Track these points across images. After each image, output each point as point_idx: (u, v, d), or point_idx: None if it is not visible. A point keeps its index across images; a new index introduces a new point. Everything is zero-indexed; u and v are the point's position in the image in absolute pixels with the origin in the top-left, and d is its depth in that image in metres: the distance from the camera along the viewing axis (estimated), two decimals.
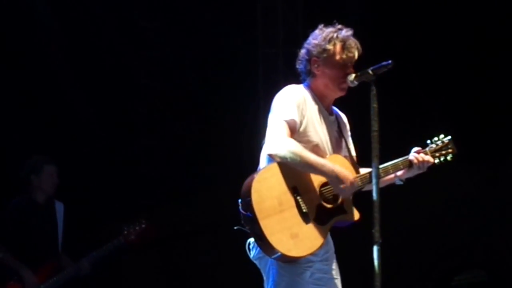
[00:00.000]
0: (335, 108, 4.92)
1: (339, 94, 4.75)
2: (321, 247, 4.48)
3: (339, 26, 4.74)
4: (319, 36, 4.72)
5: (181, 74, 8.83)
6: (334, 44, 4.66)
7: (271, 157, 4.53)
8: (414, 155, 4.88)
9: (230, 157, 8.44)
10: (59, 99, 8.66)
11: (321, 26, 4.78)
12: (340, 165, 4.61)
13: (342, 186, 4.50)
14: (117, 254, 7.58)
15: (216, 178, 8.67)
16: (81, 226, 8.24)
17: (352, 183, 4.52)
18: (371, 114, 4.34)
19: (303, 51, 4.80)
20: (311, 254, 4.46)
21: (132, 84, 8.87)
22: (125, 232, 7.59)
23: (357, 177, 4.65)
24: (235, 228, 4.48)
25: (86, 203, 8.51)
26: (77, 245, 7.71)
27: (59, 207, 7.64)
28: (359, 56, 4.71)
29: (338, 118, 4.90)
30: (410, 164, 4.86)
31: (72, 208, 7.65)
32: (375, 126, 4.33)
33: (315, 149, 4.62)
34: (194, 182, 8.86)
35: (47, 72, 8.62)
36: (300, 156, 4.46)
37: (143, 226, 7.63)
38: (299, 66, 4.83)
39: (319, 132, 4.69)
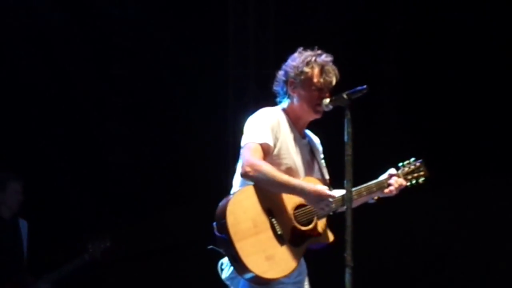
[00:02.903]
0: (308, 132, 4.94)
1: (313, 117, 4.76)
2: (295, 269, 4.50)
3: (319, 51, 4.77)
4: (298, 58, 4.74)
5: (152, 94, 8.80)
6: (312, 67, 4.69)
7: (244, 179, 4.54)
8: (392, 180, 4.90)
9: (200, 177, 8.42)
10: (24, 113, 8.57)
11: (300, 49, 4.80)
12: None
13: (320, 202, 4.51)
14: (81, 272, 7.51)
15: (186, 198, 8.64)
16: (46, 244, 8.15)
17: (328, 196, 4.52)
18: (345, 138, 4.37)
19: (280, 72, 4.81)
20: (286, 276, 4.47)
21: (101, 101, 8.82)
22: (90, 250, 7.52)
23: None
24: (208, 247, 4.48)
25: (51, 220, 8.42)
26: (41, 264, 7.62)
27: (23, 224, 7.56)
28: (336, 83, 4.74)
29: (310, 141, 4.91)
30: (383, 186, 4.90)
31: (38, 226, 7.56)
32: (349, 150, 4.35)
33: (288, 172, 4.64)
34: (163, 200, 8.83)
35: (9, 86, 8.51)
36: (274, 177, 4.48)
37: (108, 244, 7.57)
38: (276, 87, 4.84)
39: (292, 155, 4.71)
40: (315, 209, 4.56)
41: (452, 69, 8.60)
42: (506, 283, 8.37)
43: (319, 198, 4.52)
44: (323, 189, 4.55)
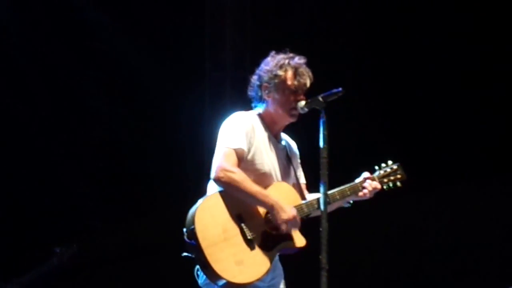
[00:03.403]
0: (284, 136, 4.91)
1: (289, 120, 4.74)
2: (267, 273, 4.47)
3: (291, 54, 4.75)
4: (271, 62, 4.72)
5: (129, 96, 8.76)
6: (286, 70, 4.67)
7: (216, 184, 4.52)
8: (366, 184, 4.89)
9: (175, 181, 8.39)
10: None
11: (272, 53, 4.78)
12: (285, 193, 4.64)
13: (282, 218, 4.49)
14: (50, 277, 7.48)
15: (160, 202, 8.60)
16: (14, 248, 8.10)
17: (293, 217, 4.51)
18: (320, 141, 4.35)
19: (254, 77, 4.78)
20: (257, 280, 4.45)
21: (77, 104, 8.76)
22: (58, 254, 7.49)
23: (303, 204, 4.67)
24: (183, 255, 4.45)
25: (19, 224, 8.36)
26: (10, 268, 7.57)
27: None
28: (310, 85, 4.72)
29: (287, 145, 4.89)
30: (357, 189, 4.88)
31: (6, 230, 7.52)
32: (324, 153, 4.34)
33: (263, 177, 4.63)
34: (136, 205, 8.79)
35: None
36: (243, 186, 4.47)
37: (75, 249, 7.54)
38: (250, 92, 4.82)
39: (267, 160, 4.68)
40: (278, 224, 4.51)
41: (429, 72, 8.61)
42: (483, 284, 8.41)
43: (282, 214, 4.48)
44: (289, 209, 4.52)
